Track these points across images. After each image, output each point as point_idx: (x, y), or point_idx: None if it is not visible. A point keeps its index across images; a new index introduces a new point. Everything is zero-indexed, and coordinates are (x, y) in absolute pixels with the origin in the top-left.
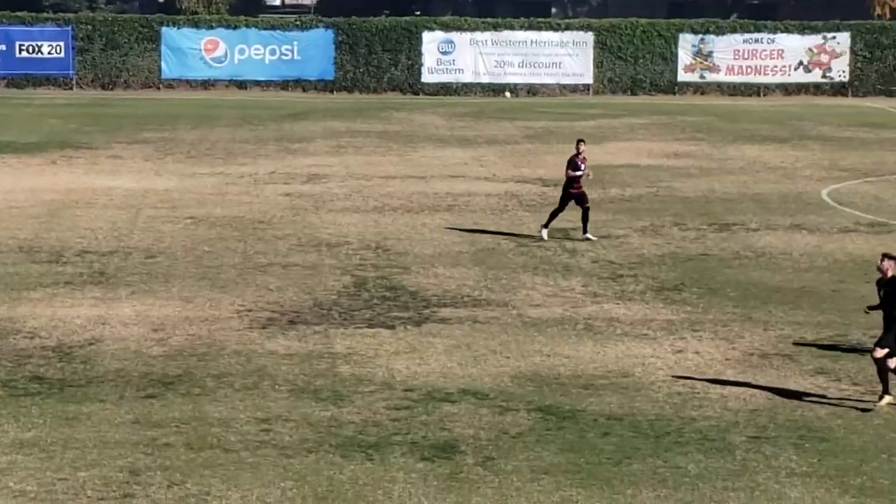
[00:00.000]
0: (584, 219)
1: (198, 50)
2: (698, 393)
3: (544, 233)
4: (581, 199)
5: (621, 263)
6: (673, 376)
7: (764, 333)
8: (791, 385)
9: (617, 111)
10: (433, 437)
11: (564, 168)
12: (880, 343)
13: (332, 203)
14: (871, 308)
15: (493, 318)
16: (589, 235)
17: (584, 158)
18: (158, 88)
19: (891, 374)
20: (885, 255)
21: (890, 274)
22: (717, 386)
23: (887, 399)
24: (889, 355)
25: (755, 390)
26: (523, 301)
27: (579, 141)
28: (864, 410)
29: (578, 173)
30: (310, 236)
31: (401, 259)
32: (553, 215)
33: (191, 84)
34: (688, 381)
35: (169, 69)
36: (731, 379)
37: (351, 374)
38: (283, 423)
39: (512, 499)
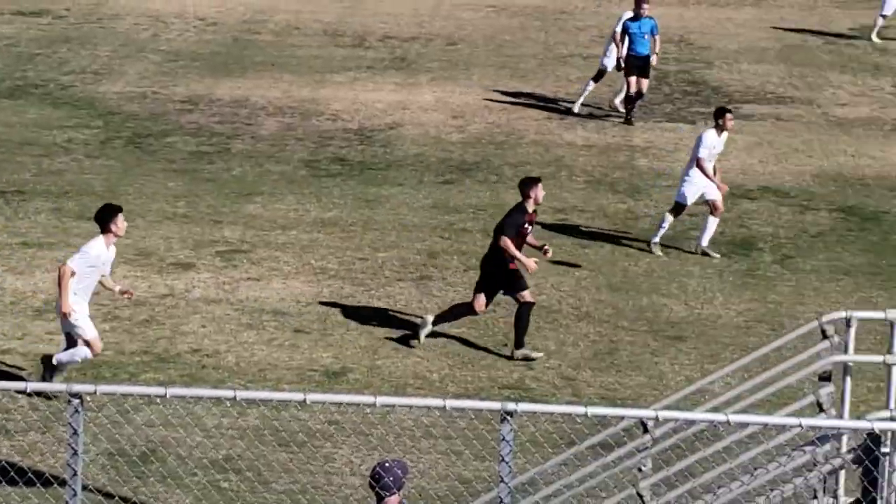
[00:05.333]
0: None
1: None
2: None
3: None
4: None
5: None
6: None
7: None
8: None
9: None
10: (730, 233)
11: None
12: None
13: None
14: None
15: (796, 116)
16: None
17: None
18: None
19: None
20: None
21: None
22: None
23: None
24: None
25: None
26: (829, 100)
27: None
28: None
29: None
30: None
31: (704, 54)
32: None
33: None
34: None
35: None
36: None
37: (648, 168)
38: (578, 213)
39: (809, 297)
